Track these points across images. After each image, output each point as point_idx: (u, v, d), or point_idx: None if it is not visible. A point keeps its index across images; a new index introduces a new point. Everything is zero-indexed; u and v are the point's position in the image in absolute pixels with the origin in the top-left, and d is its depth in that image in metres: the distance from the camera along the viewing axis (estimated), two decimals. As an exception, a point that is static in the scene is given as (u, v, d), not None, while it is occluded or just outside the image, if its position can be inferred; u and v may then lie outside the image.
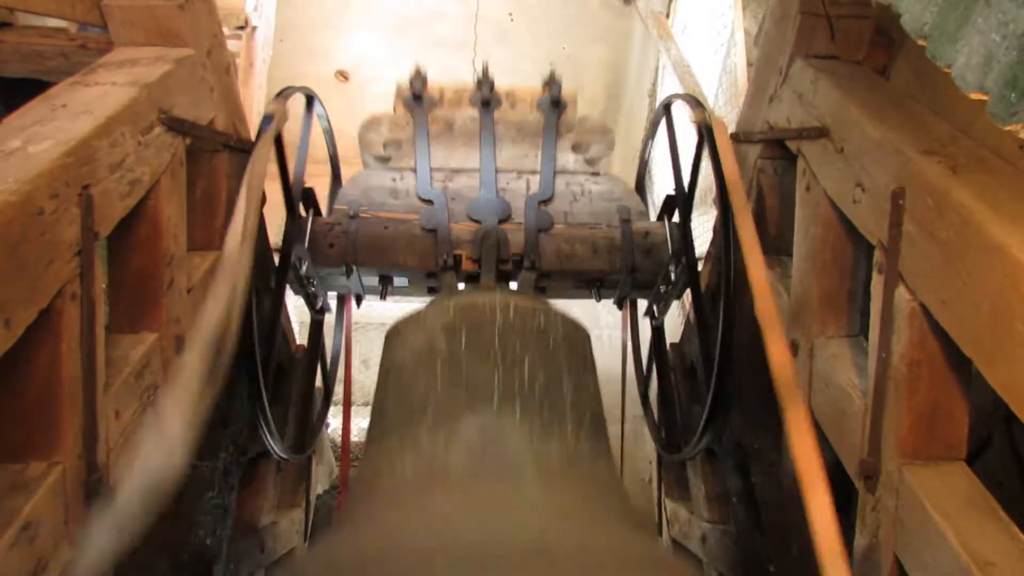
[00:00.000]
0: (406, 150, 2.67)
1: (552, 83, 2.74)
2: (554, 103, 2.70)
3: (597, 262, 2.50)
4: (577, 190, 2.63)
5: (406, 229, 2.49)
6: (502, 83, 2.77)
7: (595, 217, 2.58)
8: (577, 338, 1.97)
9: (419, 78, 2.72)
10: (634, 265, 2.49)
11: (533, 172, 2.63)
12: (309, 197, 2.48)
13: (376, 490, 1.58)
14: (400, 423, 1.70)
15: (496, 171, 2.58)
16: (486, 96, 2.68)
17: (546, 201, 2.57)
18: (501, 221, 2.52)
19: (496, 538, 1.25)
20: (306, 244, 2.41)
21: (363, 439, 5.23)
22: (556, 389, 1.72)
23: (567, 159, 2.70)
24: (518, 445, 1.55)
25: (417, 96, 2.68)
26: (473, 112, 2.70)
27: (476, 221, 2.51)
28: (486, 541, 1.23)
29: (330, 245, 2.46)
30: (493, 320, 1.81)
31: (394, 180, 2.61)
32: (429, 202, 2.53)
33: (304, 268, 2.41)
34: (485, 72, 2.75)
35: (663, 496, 3.06)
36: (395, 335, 2.00)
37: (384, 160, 2.68)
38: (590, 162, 2.71)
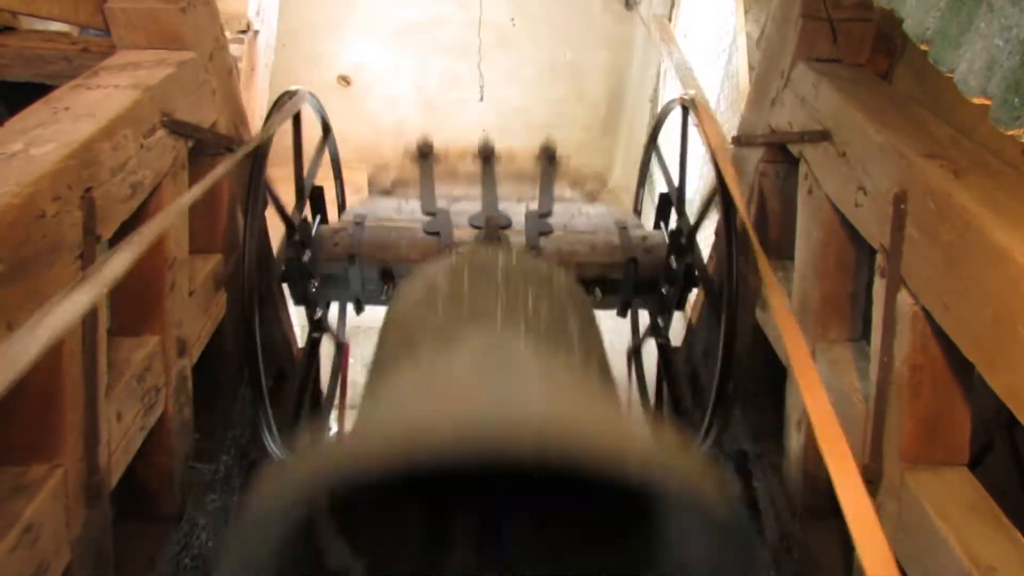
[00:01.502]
0: (412, 189, 2.83)
1: (547, 146, 2.94)
2: (550, 158, 2.90)
3: (598, 257, 2.54)
4: (574, 211, 2.76)
5: (410, 233, 2.54)
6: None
7: (594, 227, 2.65)
8: (581, 295, 1.90)
9: (426, 144, 2.91)
10: (635, 260, 2.51)
11: (532, 199, 2.75)
12: (317, 196, 2.53)
13: (375, 408, 1.47)
14: (400, 354, 1.60)
15: (496, 197, 2.71)
16: (487, 152, 2.87)
17: (545, 215, 2.64)
18: (502, 228, 2.55)
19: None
20: (310, 243, 2.43)
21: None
22: (561, 326, 1.62)
23: (564, 192, 2.89)
24: (522, 364, 1.40)
25: (424, 154, 2.87)
26: (475, 165, 2.88)
27: (478, 227, 2.54)
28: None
29: (335, 244, 2.50)
30: (496, 262, 1.74)
31: (399, 204, 2.74)
32: (432, 214, 2.61)
33: (306, 257, 2.41)
34: (486, 139, 2.95)
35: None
36: (397, 293, 1.99)
37: (389, 193, 2.88)
38: (586, 196, 2.95)
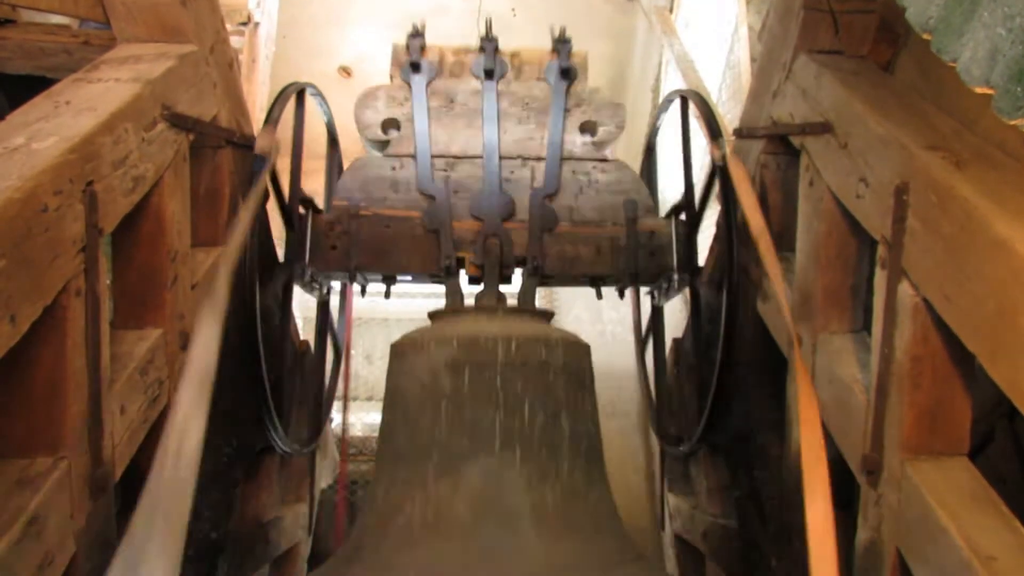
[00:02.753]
0: (405, 132, 2.54)
1: (561, 45, 2.61)
2: (563, 73, 2.55)
3: (601, 266, 2.48)
4: (584, 180, 2.54)
5: (408, 228, 2.45)
6: (507, 44, 2.60)
7: (601, 213, 2.51)
8: (578, 361, 2.08)
9: (417, 39, 2.58)
10: (636, 269, 2.47)
11: (538, 159, 2.52)
12: (307, 202, 2.47)
13: (387, 528, 1.82)
14: (408, 459, 1.92)
15: (500, 158, 2.48)
16: (489, 65, 2.53)
17: (551, 195, 2.50)
18: (504, 219, 2.48)
19: None
20: (307, 249, 2.40)
21: (364, 433, 5.25)
22: (554, 426, 1.93)
23: (574, 141, 2.56)
24: (517, 490, 1.81)
25: (415, 65, 2.53)
26: (475, 83, 2.56)
27: (479, 219, 2.48)
28: None
29: (332, 247, 2.44)
30: (495, 357, 1.95)
31: (394, 169, 2.52)
32: (430, 197, 2.48)
33: (308, 276, 2.41)
34: (488, 30, 2.62)
35: (665, 490, 3.06)
36: (400, 357, 2.06)
37: (383, 144, 2.57)
38: (598, 145, 2.59)
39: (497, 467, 1.79)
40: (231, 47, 2.39)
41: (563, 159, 2.53)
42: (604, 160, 2.58)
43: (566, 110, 2.55)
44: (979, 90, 1.13)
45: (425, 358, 1.96)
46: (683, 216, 2.52)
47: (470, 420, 1.87)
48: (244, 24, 4.42)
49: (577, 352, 2.08)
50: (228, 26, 2.47)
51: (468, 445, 1.84)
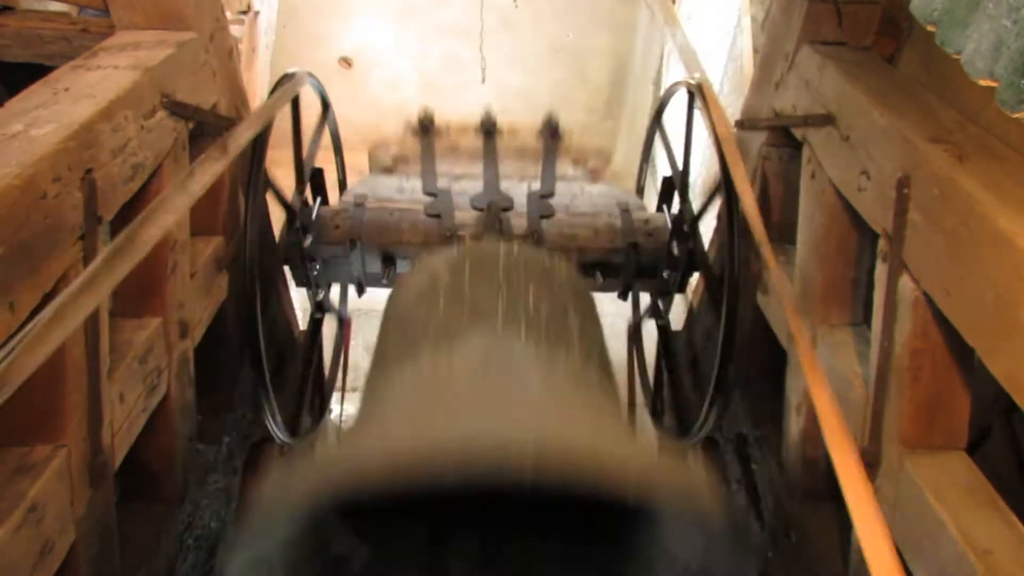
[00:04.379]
0: (413, 166, 2.78)
1: (550, 121, 2.90)
2: (552, 133, 2.86)
3: (600, 241, 2.53)
4: (576, 190, 2.71)
5: (411, 215, 2.53)
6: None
7: (595, 209, 2.61)
8: (582, 287, 1.88)
9: (427, 117, 2.88)
10: (636, 243, 2.50)
11: (535, 178, 2.72)
12: (317, 178, 2.51)
13: (377, 410, 1.49)
14: (401, 350, 1.61)
15: (498, 176, 2.68)
16: (489, 127, 2.84)
17: (547, 195, 2.61)
18: (504, 210, 2.53)
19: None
20: (312, 221, 2.43)
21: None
22: (561, 323, 1.63)
23: (567, 170, 2.81)
24: (522, 369, 1.44)
25: (425, 128, 2.84)
26: (476, 140, 2.84)
27: (480, 209, 2.52)
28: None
29: (335, 226, 2.49)
30: (497, 256, 1.74)
31: (400, 182, 2.70)
32: (434, 195, 2.59)
33: (308, 242, 2.41)
34: (488, 113, 2.92)
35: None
36: (397, 285, 2.00)
37: (390, 171, 2.81)
38: (588, 175, 2.84)
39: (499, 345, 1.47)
40: (230, 35, 2.38)
41: (557, 178, 2.73)
42: (595, 181, 2.82)
43: (557, 154, 2.84)
44: (983, 82, 1.12)
45: (423, 269, 1.82)
46: (675, 205, 2.54)
47: (470, 308, 1.58)
48: (244, 13, 4.40)
49: (583, 284, 2.00)
50: (228, 15, 2.46)
51: (468, 319, 1.56)
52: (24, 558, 1.26)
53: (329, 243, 2.47)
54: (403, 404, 1.38)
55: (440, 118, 2.92)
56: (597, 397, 1.50)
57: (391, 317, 1.81)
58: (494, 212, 2.46)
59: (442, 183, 2.66)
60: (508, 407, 1.23)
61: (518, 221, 2.51)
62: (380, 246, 2.50)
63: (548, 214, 2.54)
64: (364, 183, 2.69)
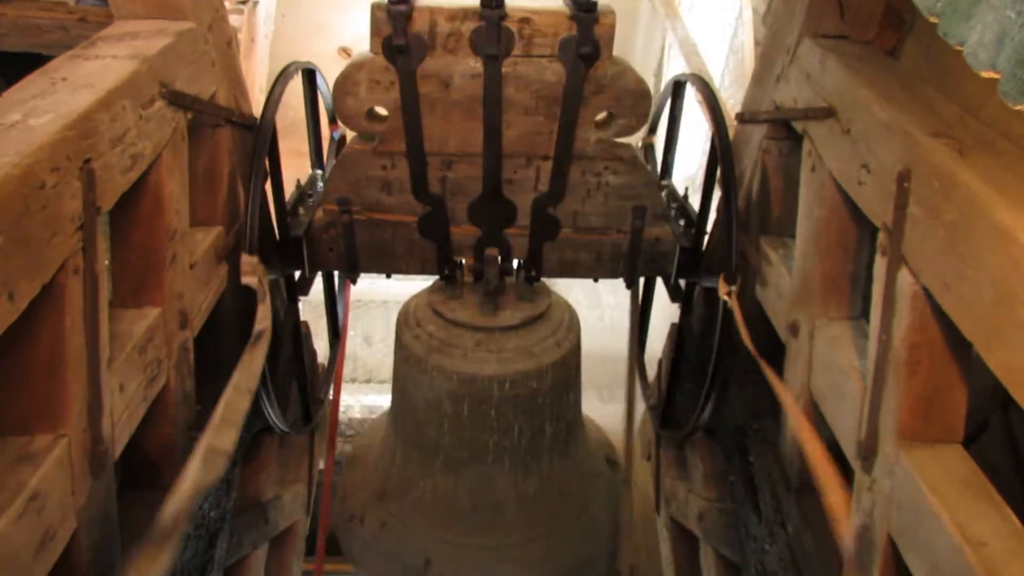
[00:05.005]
0: (394, 124, 2.15)
1: (584, 13, 2.03)
2: (581, 55, 2.03)
3: (599, 271, 2.43)
4: (593, 182, 2.24)
5: (405, 233, 2.33)
6: (513, 2, 2.08)
7: (607, 219, 2.32)
8: (564, 364, 2.42)
9: (402, 8, 2.02)
10: (635, 273, 2.43)
11: (546, 157, 2.20)
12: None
13: (409, 492, 2.49)
14: (418, 446, 2.49)
15: (502, 156, 2.18)
16: (492, 50, 2.04)
17: (554, 199, 2.28)
18: (504, 225, 2.34)
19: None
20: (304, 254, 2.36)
21: (362, 414, 5.26)
22: (538, 442, 2.43)
23: (588, 138, 2.19)
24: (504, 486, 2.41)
25: (401, 49, 2.04)
26: (475, 64, 2.07)
27: (478, 225, 2.34)
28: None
29: (329, 249, 2.37)
30: (491, 397, 2.31)
31: (385, 168, 2.23)
32: (426, 203, 2.29)
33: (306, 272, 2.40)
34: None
35: (661, 474, 3.08)
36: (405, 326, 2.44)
37: (370, 137, 2.25)
38: (614, 143, 2.25)
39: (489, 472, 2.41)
40: (230, 25, 2.36)
41: (573, 158, 2.21)
42: (619, 159, 2.26)
43: (583, 97, 2.10)
44: (985, 74, 1.12)
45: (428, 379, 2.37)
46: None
47: (468, 441, 2.40)
48: (243, 2, 4.38)
49: (565, 354, 2.42)
50: (227, 4, 2.44)
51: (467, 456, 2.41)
52: (26, 546, 1.26)
53: (326, 268, 2.46)
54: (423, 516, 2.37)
55: (423, 8, 2.04)
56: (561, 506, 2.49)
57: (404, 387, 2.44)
58: (492, 273, 2.32)
59: (434, 169, 2.20)
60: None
61: (519, 242, 2.35)
62: (378, 272, 2.47)
63: (551, 235, 2.31)
64: (345, 168, 2.25)
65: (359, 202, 2.27)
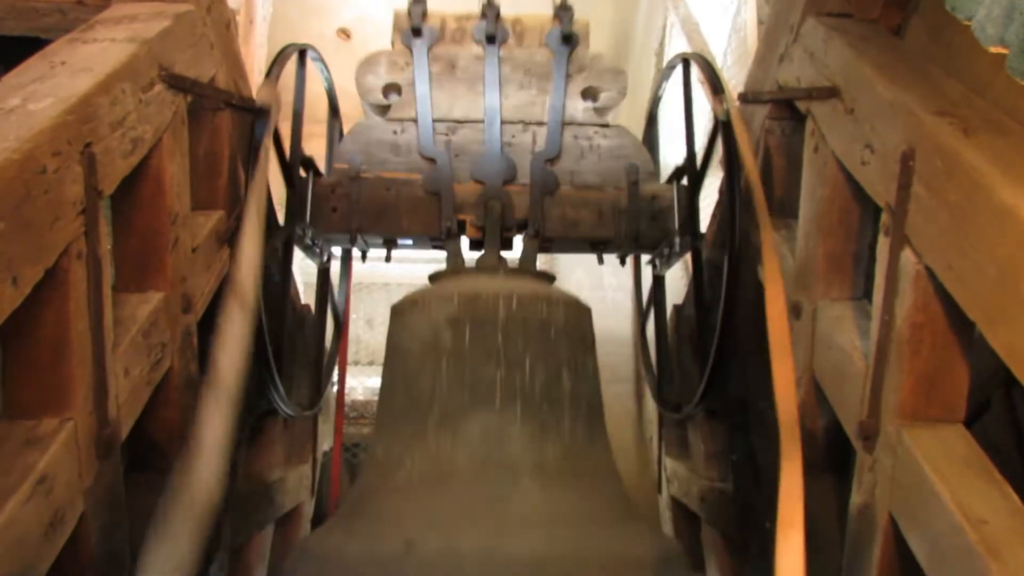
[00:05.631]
0: (406, 96, 2.55)
1: (563, 12, 2.59)
2: (565, 39, 2.55)
3: (602, 229, 2.49)
4: (585, 145, 2.54)
5: (409, 191, 2.45)
6: (508, 10, 2.62)
7: (602, 177, 2.52)
8: (578, 321, 2.06)
9: (419, 5, 2.57)
10: (638, 232, 2.47)
11: (540, 124, 2.53)
12: (308, 163, 2.47)
13: (387, 482, 1.79)
14: (408, 415, 1.87)
15: (501, 122, 2.49)
16: (491, 30, 2.53)
17: (552, 159, 2.51)
18: (506, 182, 2.49)
19: (497, 549, 1.43)
20: (308, 210, 2.40)
21: (366, 397, 5.29)
22: (555, 384, 1.88)
23: (576, 107, 2.57)
24: (518, 446, 1.75)
25: (416, 30, 2.54)
26: (477, 49, 2.56)
27: (480, 182, 2.48)
28: (487, 550, 1.42)
29: (332, 209, 2.45)
30: (496, 313, 1.91)
31: (395, 133, 2.52)
32: (431, 160, 2.48)
33: (308, 236, 2.41)
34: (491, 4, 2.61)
35: (663, 454, 3.10)
36: (400, 316, 2.05)
37: (384, 108, 2.58)
38: (600, 111, 2.60)
39: (498, 423, 1.78)
40: (228, 7, 2.34)
41: (564, 124, 2.53)
42: (606, 126, 2.59)
43: (568, 76, 2.55)
44: (993, 49, 1.11)
45: (425, 316, 1.96)
46: (685, 180, 2.51)
47: (470, 377, 1.85)
48: (241, -17, 4.33)
49: (578, 312, 2.08)
50: (225, -15, 2.42)
51: (469, 402, 1.82)
52: (35, 528, 1.28)
53: (328, 230, 2.46)
54: (412, 495, 1.69)
55: (435, 12, 2.58)
56: (585, 467, 1.84)
57: (394, 363, 1.99)
58: (493, 220, 2.37)
59: (439, 134, 2.49)
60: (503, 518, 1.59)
61: (520, 199, 2.46)
62: (380, 233, 2.48)
63: (552, 189, 2.48)
64: (357, 133, 2.54)
65: (367, 162, 2.48)
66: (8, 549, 1.19)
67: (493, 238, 2.34)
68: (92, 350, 1.47)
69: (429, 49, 2.54)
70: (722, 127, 2.17)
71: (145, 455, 1.89)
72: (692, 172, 2.45)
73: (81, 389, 1.44)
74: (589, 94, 2.59)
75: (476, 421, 1.76)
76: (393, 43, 2.61)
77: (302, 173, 2.44)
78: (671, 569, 1.61)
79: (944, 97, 1.54)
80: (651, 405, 3.22)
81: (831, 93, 1.84)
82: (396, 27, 2.59)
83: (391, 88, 2.57)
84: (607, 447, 1.97)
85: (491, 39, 2.53)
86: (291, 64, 2.35)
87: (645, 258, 2.88)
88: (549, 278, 2.30)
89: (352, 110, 2.91)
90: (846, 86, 1.79)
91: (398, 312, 2.09)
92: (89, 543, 1.46)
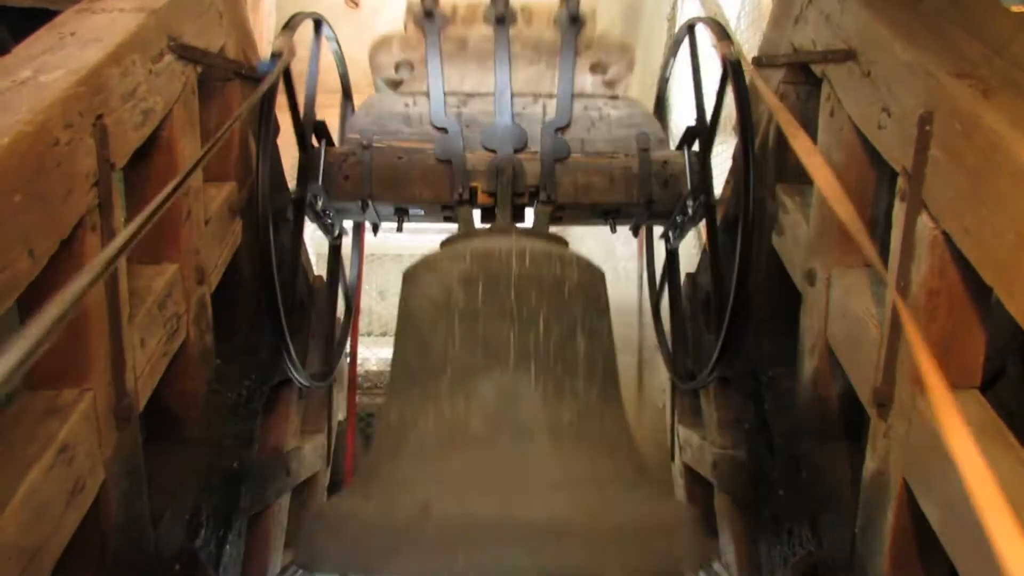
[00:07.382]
0: (418, 72, 2.59)
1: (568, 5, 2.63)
2: (572, 19, 2.59)
3: (614, 194, 2.48)
4: (595, 115, 2.55)
5: (421, 159, 2.46)
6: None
7: (613, 144, 2.51)
8: (592, 282, 2.01)
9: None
10: (651, 197, 2.46)
11: (550, 96, 2.55)
12: (321, 129, 2.46)
13: (401, 446, 1.74)
14: (421, 378, 1.81)
15: (511, 95, 2.51)
16: (500, 12, 2.58)
17: (563, 128, 2.51)
18: (517, 150, 2.48)
19: (513, 512, 1.43)
20: (320, 178, 2.40)
21: (379, 367, 5.34)
22: (570, 344, 1.80)
23: (585, 81, 2.60)
24: (533, 407, 1.69)
25: (429, 13, 2.59)
26: (487, 30, 2.61)
27: (491, 150, 2.47)
28: (503, 513, 1.42)
29: (345, 177, 2.45)
30: (509, 270, 1.84)
31: (407, 106, 2.54)
32: (443, 130, 2.49)
33: (320, 204, 2.41)
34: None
35: (676, 422, 3.11)
36: (412, 279, 2.04)
37: (396, 84, 2.61)
38: (609, 84, 2.61)
39: (512, 384, 1.73)
40: (235, -25, 2.32)
41: (574, 96, 2.55)
42: (615, 97, 2.61)
43: (576, 53, 2.58)
44: (1015, 8, 1.08)
45: (437, 275, 1.93)
46: (696, 146, 2.48)
47: (484, 336, 1.79)
48: (247, -48, 4.27)
49: (592, 273, 2.05)
50: (231, -47, 2.38)
51: (482, 362, 1.76)
52: (58, 496, 1.31)
53: (339, 196, 2.46)
54: (426, 458, 1.66)
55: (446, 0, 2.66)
56: (600, 429, 1.78)
57: (407, 324, 1.96)
58: (505, 183, 2.37)
59: (451, 107, 2.53)
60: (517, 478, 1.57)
61: (531, 166, 2.46)
62: (392, 201, 2.49)
63: (563, 156, 2.48)
64: (369, 107, 2.57)
65: (380, 133, 2.50)
66: (32, 516, 1.22)
67: (505, 203, 2.35)
68: (109, 321, 1.49)
69: (441, 30, 2.60)
70: (732, 71, 2.13)
71: (163, 425, 1.92)
72: (704, 134, 2.42)
73: (99, 360, 1.46)
74: (598, 68, 2.62)
75: (490, 381, 1.71)
76: (406, 26, 2.66)
77: (314, 143, 2.43)
78: (687, 533, 1.61)
79: (963, 58, 1.50)
80: (662, 374, 3.23)
81: (847, 56, 1.80)
82: (408, 12, 2.66)
83: (404, 64, 2.61)
84: (622, 409, 1.93)
85: (501, 20, 2.59)
86: (303, 33, 2.32)
87: (658, 233, 2.86)
88: (562, 241, 2.29)
89: (360, 79, 2.89)
90: (863, 48, 1.76)
91: (409, 275, 2.08)
92: (110, 511, 1.49)
